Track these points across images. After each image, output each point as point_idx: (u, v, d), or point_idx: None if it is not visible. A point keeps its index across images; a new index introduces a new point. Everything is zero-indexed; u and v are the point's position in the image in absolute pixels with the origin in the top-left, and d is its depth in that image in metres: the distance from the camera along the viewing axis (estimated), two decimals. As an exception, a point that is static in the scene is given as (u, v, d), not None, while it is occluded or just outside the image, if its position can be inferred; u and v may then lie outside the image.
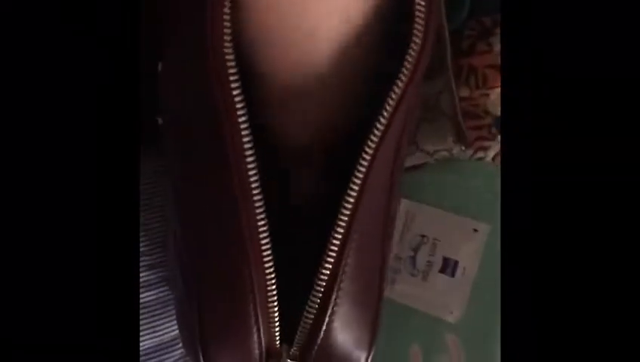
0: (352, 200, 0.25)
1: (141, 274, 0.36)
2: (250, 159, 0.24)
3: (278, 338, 0.26)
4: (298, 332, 0.26)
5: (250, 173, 0.24)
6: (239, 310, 0.25)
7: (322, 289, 0.26)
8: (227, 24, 0.23)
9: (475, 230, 0.41)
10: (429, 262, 0.41)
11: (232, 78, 0.24)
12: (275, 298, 0.25)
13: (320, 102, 0.26)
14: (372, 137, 0.25)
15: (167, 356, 0.37)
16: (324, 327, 0.26)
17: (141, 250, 0.36)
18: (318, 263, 0.26)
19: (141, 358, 0.36)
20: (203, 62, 0.24)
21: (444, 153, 0.41)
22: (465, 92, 0.41)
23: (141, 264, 0.36)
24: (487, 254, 0.40)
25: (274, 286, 0.25)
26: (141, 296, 0.36)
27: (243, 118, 0.24)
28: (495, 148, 0.41)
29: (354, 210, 0.25)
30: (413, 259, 0.42)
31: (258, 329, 0.25)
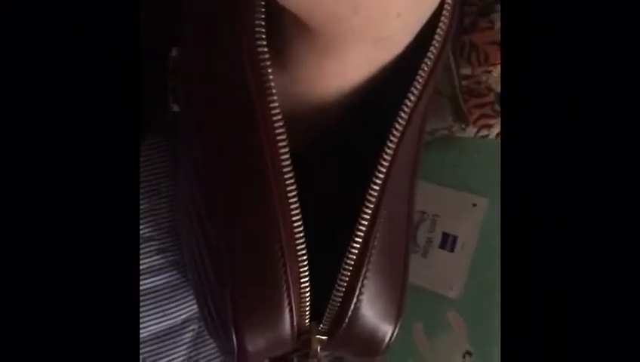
0: (381, 175, 0.26)
1: (150, 259, 0.36)
2: (281, 137, 0.25)
3: (308, 315, 0.26)
4: (328, 309, 0.27)
5: (282, 150, 0.25)
6: (273, 291, 0.25)
7: (352, 265, 0.26)
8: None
9: (474, 204, 0.41)
10: (428, 238, 0.42)
11: (263, 64, 0.24)
12: (307, 277, 0.25)
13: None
14: (400, 118, 0.25)
15: (178, 339, 0.37)
16: (353, 303, 0.26)
17: (149, 234, 0.35)
18: (347, 239, 0.26)
19: (152, 342, 0.36)
20: (236, 49, 0.24)
21: (444, 131, 0.41)
22: (467, 70, 0.41)
23: (149, 249, 0.35)
24: (486, 228, 0.40)
25: (306, 266, 0.25)
26: (150, 280, 0.36)
27: (275, 104, 0.24)
28: (498, 125, 0.41)
29: (383, 186, 0.26)
30: (414, 235, 0.42)
31: (291, 309, 0.25)
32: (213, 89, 0.26)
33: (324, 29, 0.23)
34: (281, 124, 0.25)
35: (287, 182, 0.25)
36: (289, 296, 0.25)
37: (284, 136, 0.25)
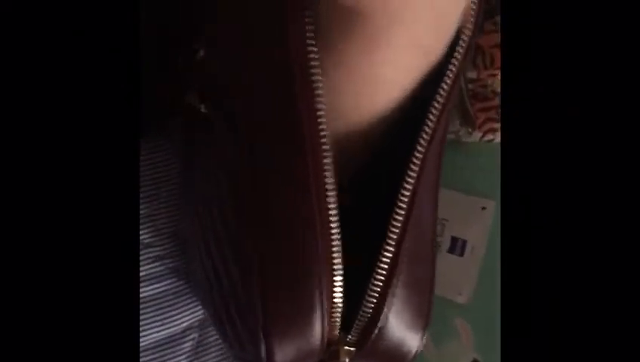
0: (409, 186, 0.25)
1: (149, 266, 0.35)
2: (324, 140, 0.24)
3: (339, 325, 0.26)
4: (357, 320, 0.26)
5: (325, 154, 0.24)
6: (306, 298, 0.25)
7: (383, 276, 0.26)
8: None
9: (484, 208, 0.41)
10: (437, 242, 0.41)
11: (313, 71, 0.24)
12: (341, 286, 0.25)
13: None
14: (426, 127, 0.25)
15: (178, 347, 0.36)
16: (383, 314, 0.26)
17: (148, 241, 0.35)
18: (377, 249, 0.26)
19: (151, 351, 0.36)
20: (283, 51, 0.24)
21: (451, 136, 0.41)
22: (472, 73, 0.40)
23: (149, 255, 0.35)
24: (495, 232, 0.40)
25: (340, 275, 0.25)
26: (149, 288, 0.35)
27: (321, 105, 0.24)
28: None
29: (412, 196, 0.25)
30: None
31: (323, 318, 0.25)
32: (252, 96, 0.26)
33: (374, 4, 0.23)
34: (324, 127, 0.24)
35: (328, 186, 0.25)
36: (322, 304, 0.25)
37: (325, 135, 0.24)
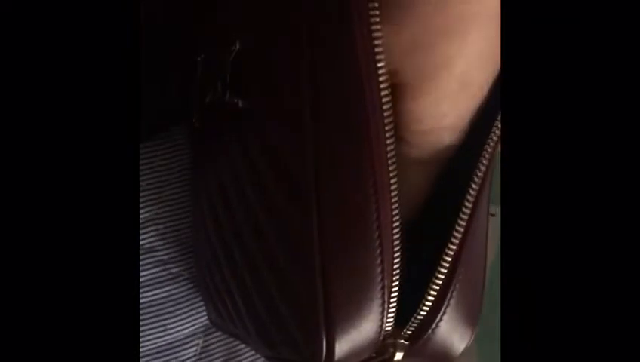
0: (473, 192, 0.26)
1: (151, 271, 0.34)
2: (390, 148, 0.24)
3: (393, 319, 0.26)
4: (415, 315, 0.27)
5: (390, 160, 0.24)
6: (368, 295, 0.25)
7: (444, 274, 0.26)
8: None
9: (492, 214, 0.40)
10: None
11: (382, 86, 0.24)
12: (398, 282, 0.25)
13: None
14: (492, 136, 0.26)
15: (180, 354, 0.35)
16: (440, 313, 0.27)
17: (150, 245, 0.34)
18: (439, 251, 0.26)
19: (152, 357, 0.35)
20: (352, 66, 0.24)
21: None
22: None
23: (150, 260, 0.34)
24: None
25: (398, 271, 0.25)
26: (151, 293, 0.35)
27: (389, 119, 0.24)
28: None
29: (477, 199, 0.26)
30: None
31: (382, 313, 0.25)
32: (311, 98, 0.25)
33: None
34: (391, 133, 0.24)
35: (393, 194, 0.25)
36: (382, 299, 0.25)
37: (392, 141, 0.24)
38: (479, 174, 0.26)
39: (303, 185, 0.25)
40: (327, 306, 0.25)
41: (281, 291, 0.26)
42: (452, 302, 0.27)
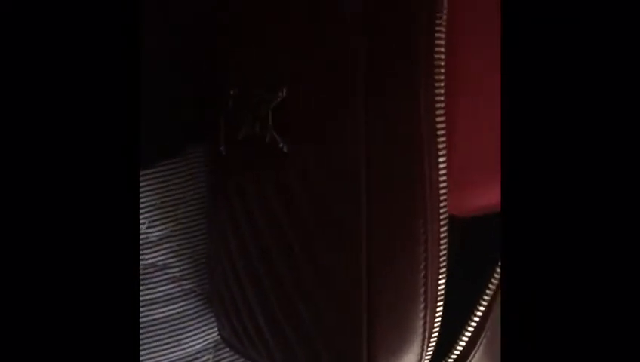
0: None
1: (164, 288, 0.35)
2: (443, 198, 0.25)
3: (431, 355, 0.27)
4: (447, 359, 0.28)
5: (442, 210, 0.25)
6: (412, 330, 0.25)
7: (480, 317, 0.27)
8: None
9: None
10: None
11: (440, 153, 0.24)
12: (439, 321, 0.26)
13: None
14: None
15: (191, 370, 0.36)
16: (471, 356, 0.28)
17: (163, 262, 0.35)
18: (476, 293, 0.27)
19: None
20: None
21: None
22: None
23: (164, 277, 0.35)
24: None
25: (441, 310, 0.26)
26: (165, 309, 0.35)
27: (443, 151, 0.24)
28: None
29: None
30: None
31: (422, 351, 0.26)
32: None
33: None
34: (444, 159, 0.25)
35: (442, 223, 0.25)
36: (424, 335, 0.26)
37: (444, 180, 0.25)
38: None
39: (354, 235, 0.25)
40: (370, 346, 0.25)
41: (317, 326, 0.27)
42: (482, 347, 0.28)
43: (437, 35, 0.23)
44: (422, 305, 0.25)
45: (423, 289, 0.25)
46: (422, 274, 0.25)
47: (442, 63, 0.24)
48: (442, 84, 0.24)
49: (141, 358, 0.35)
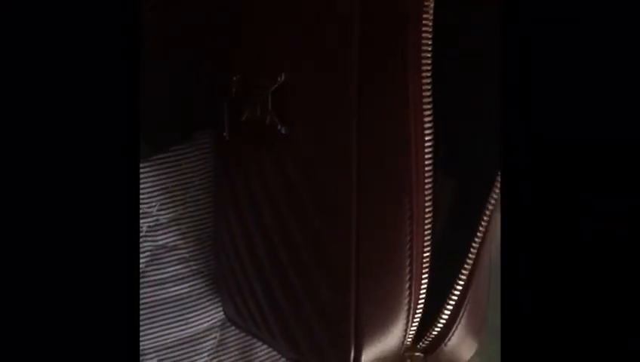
0: (493, 201, 0.27)
1: (174, 268, 0.36)
2: (429, 174, 0.26)
3: (415, 332, 0.28)
4: (431, 329, 0.28)
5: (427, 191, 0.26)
6: (396, 307, 0.27)
7: (459, 293, 0.28)
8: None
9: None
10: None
11: (426, 132, 0.25)
12: (424, 294, 0.27)
13: None
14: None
15: (199, 346, 0.38)
16: (452, 330, 0.29)
17: (173, 243, 0.36)
18: (456, 268, 0.28)
19: (173, 349, 0.37)
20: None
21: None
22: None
23: (174, 258, 0.36)
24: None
25: (425, 284, 0.27)
26: (174, 288, 0.37)
27: (429, 147, 0.26)
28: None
29: (488, 223, 0.28)
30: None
31: (407, 326, 0.27)
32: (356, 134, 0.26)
33: None
34: (430, 161, 0.26)
35: (427, 198, 0.26)
36: (409, 311, 0.27)
37: (430, 164, 0.26)
38: (489, 207, 0.28)
39: (343, 210, 0.26)
40: (358, 319, 0.26)
41: (311, 301, 0.28)
42: (463, 319, 0.29)
43: (424, 34, 0.25)
44: (407, 277, 0.26)
45: (408, 262, 0.26)
46: (407, 247, 0.26)
47: (429, 55, 0.25)
48: (429, 74, 0.25)
49: (151, 336, 0.37)
